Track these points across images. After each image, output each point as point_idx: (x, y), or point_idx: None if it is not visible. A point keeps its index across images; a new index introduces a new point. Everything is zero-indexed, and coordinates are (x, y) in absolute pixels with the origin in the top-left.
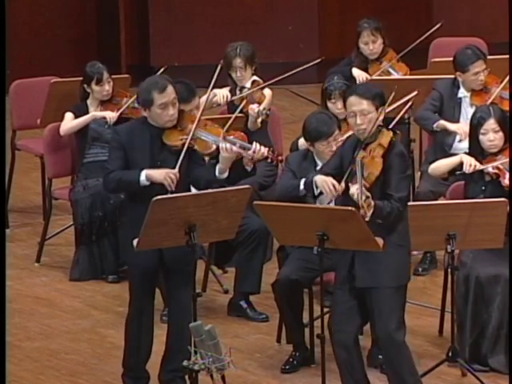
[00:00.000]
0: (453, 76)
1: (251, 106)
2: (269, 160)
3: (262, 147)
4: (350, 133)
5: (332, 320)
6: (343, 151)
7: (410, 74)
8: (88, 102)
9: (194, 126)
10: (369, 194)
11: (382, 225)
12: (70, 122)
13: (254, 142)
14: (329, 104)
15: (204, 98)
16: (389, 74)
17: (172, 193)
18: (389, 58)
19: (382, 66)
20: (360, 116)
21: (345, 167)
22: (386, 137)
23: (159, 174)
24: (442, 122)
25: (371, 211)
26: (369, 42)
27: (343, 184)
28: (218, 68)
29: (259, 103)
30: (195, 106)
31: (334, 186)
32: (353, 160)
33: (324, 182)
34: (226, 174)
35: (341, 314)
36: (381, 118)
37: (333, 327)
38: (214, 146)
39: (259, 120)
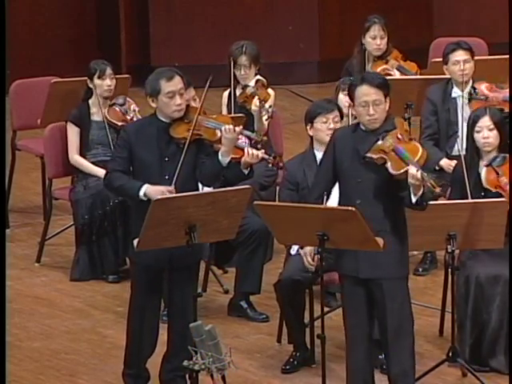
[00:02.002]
0: (447, 76)
1: (254, 100)
2: (270, 165)
3: (255, 150)
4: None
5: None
6: (336, 147)
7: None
8: (90, 101)
9: (197, 113)
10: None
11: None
12: (80, 160)
13: (246, 147)
14: (341, 95)
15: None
16: (401, 72)
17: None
18: (394, 57)
19: (390, 65)
20: (373, 106)
21: (343, 159)
22: (405, 124)
23: (155, 192)
24: (441, 163)
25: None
26: (377, 37)
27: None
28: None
29: (264, 102)
30: (191, 96)
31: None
32: (376, 146)
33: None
34: (228, 159)
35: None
36: (387, 106)
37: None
38: (219, 133)
39: (265, 118)
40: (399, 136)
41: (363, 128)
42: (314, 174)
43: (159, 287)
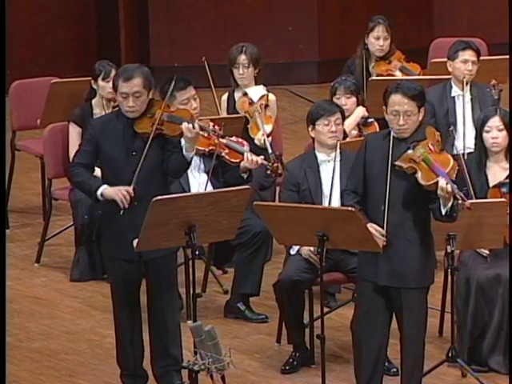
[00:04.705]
0: (447, 76)
1: (258, 136)
2: (268, 172)
3: (254, 156)
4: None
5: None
6: (367, 152)
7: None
8: (93, 101)
9: (161, 109)
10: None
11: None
12: None
13: (246, 153)
14: (334, 100)
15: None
16: (404, 72)
17: (124, 209)
18: (397, 58)
19: (393, 66)
20: (404, 116)
21: (372, 166)
22: (437, 134)
23: (112, 191)
24: None
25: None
26: (380, 38)
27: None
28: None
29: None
30: (192, 95)
31: (381, 233)
32: (406, 156)
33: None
34: (192, 153)
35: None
36: (421, 117)
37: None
38: (181, 127)
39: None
40: (430, 146)
41: (394, 135)
42: (348, 175)
43: (136, 299)
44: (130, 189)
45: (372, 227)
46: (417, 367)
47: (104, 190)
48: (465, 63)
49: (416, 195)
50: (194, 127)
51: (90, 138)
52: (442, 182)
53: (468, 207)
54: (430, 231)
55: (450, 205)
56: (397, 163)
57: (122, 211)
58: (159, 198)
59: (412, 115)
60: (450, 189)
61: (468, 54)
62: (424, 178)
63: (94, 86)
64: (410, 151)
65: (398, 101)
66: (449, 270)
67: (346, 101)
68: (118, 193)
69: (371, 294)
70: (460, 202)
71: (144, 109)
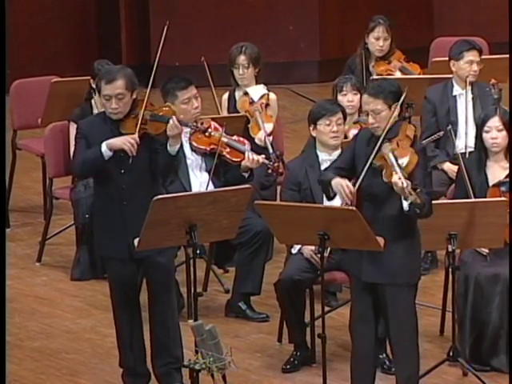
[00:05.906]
0: (448, 76)
1: (258, 135)
2: (269, 171)
3: (255, 155)
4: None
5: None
6: (356, 145)
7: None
8: (93, 101)
9: (143, 108)
10: (409, 183)
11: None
12: None
13: (247, 152)
14: (339, 97)
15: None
16: (404, 73)
17: (133, 157)
18: (397, 58)
19: (392, 66)
20: (372, 114)
21: (358, 162)
22: (409, 129)
23: (118, 140)
24: (444, 168)
25: (415, 198)
26: (380, 38)
27: (355, 188)
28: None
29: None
30: (193, 94)
31: (350, 190)
32: (375, 154)
33: (340, 185)
34: (176, 147)
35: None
36: (395, 114)
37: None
38: (165, 126)
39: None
40: (398, 143)
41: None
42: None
43: (135, 300)
44: (136, 136)
45: (343, 183)
46: (412, 372)
47: (108, 143)
48: (470, 64)
49: (393, 192)
50: (176, 124)
51: (80, 136)
52: (395, 178)
53: (421, 204)
54: (414, 228)
55: (409, 201)
56: (373, 161)
57: (130, 159)
58: (160, 197)
59: (381, 113)
60: (400, 184)
61: (473, 55)
62: (386, 174)
63: (93, 86)
64: (382, 149)
65: (364, 100)
66: (449, 270)
67: (352, 97)
68: (125, 142)
69: (361, 290)
70: (414, 199)
71: (128, 110)
